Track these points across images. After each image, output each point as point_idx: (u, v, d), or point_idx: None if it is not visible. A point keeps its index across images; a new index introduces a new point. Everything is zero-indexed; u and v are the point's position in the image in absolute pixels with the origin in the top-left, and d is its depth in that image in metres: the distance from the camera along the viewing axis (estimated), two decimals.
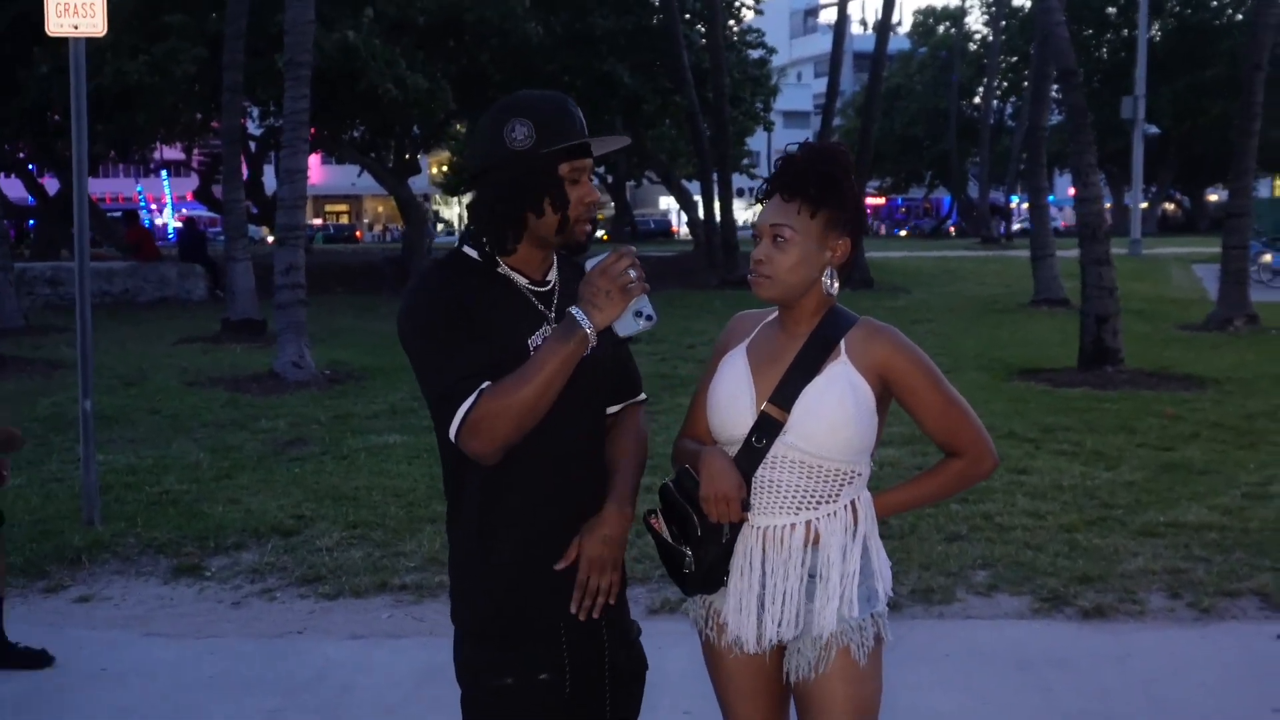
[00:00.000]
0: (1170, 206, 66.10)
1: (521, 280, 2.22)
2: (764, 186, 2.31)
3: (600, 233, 48.90)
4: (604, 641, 2.26)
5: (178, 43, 19.48)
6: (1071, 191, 13.01)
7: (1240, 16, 50.25)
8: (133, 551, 5.83)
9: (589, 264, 2.11)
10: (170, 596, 5.25)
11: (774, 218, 2.26)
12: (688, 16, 28.45)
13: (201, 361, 12.86)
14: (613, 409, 2.35)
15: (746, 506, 2.24)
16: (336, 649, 4.61)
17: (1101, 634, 4.65)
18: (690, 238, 38.78)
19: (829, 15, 77.31)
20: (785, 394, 2.24)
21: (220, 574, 5.50)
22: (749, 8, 33.51)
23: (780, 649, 2.34)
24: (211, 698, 4.19)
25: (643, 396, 2.43)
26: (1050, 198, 21.08)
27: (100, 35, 6.24)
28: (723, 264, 25.27)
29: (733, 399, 2.30)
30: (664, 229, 64.96)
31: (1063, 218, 49.27)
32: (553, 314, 2.23)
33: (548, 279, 2.27)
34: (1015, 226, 47.12)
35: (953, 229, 59.55)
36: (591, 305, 2.05)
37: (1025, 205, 33.58)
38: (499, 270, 2.21)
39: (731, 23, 32.22)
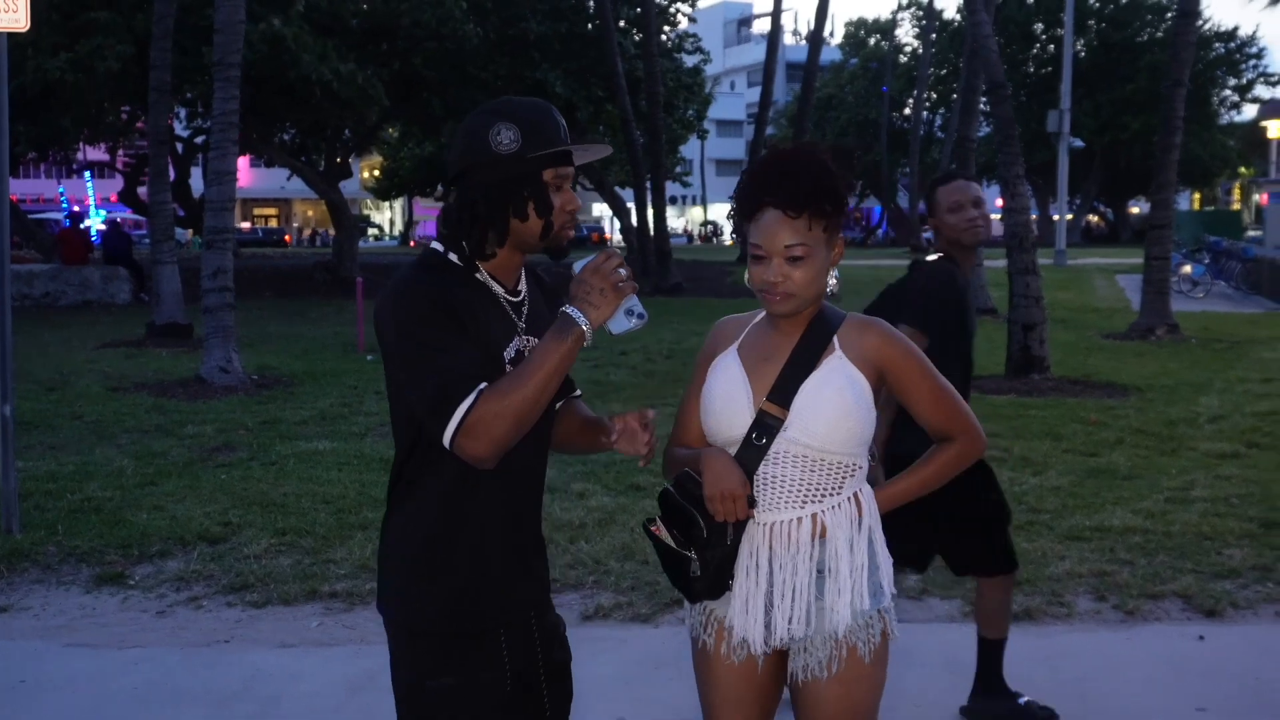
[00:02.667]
0: (1094, 218, 67.55)
1: (498, 289, 2.22)
2: (751, 202, 2.27)
3: None
4: (536, 639, 2.27)
5: (102, 39, 19.09)
6: (999, 202, 13.23)
7: (1160, 34, 51.61)
8: (53, 560, 5.67)
9: (577, 265, 2.11)
10: (92, 606, 5.12)
11: (787, 239, 2.23)
12: (622, 24, 28.51)
13: (125, 366, 12.59)
14: (556, 405, 2.39)
15: (753, 503, 2.24)
16: (265, 658, 4.52)
17: (1031, 636, 4.71)
18: (623, 244, 38.79)
19: (762, 25, 78.12)
20: (783, 391, 2.26)
21: (145, 583, 5.37)
22: (684, 15, 33.64)
23: (778, 653, 2.34)
24: (136, 709, 4.08)
25: (579, 392, 2.49)
26: None
27: (23, 30, 6.08)
28: (656, 271, 25.34)
29: (729, 399, 2.30)
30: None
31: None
32: (523, 324, 2.23)
33: (519, 289, 2.27)
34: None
35: (866, 242, 60.40)
36: (586, 303, 2.04)
37: None
38: (477, 276, 2.20)
39: (665, 30, 32.34)
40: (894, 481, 2.43)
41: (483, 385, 2.04)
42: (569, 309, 2.05)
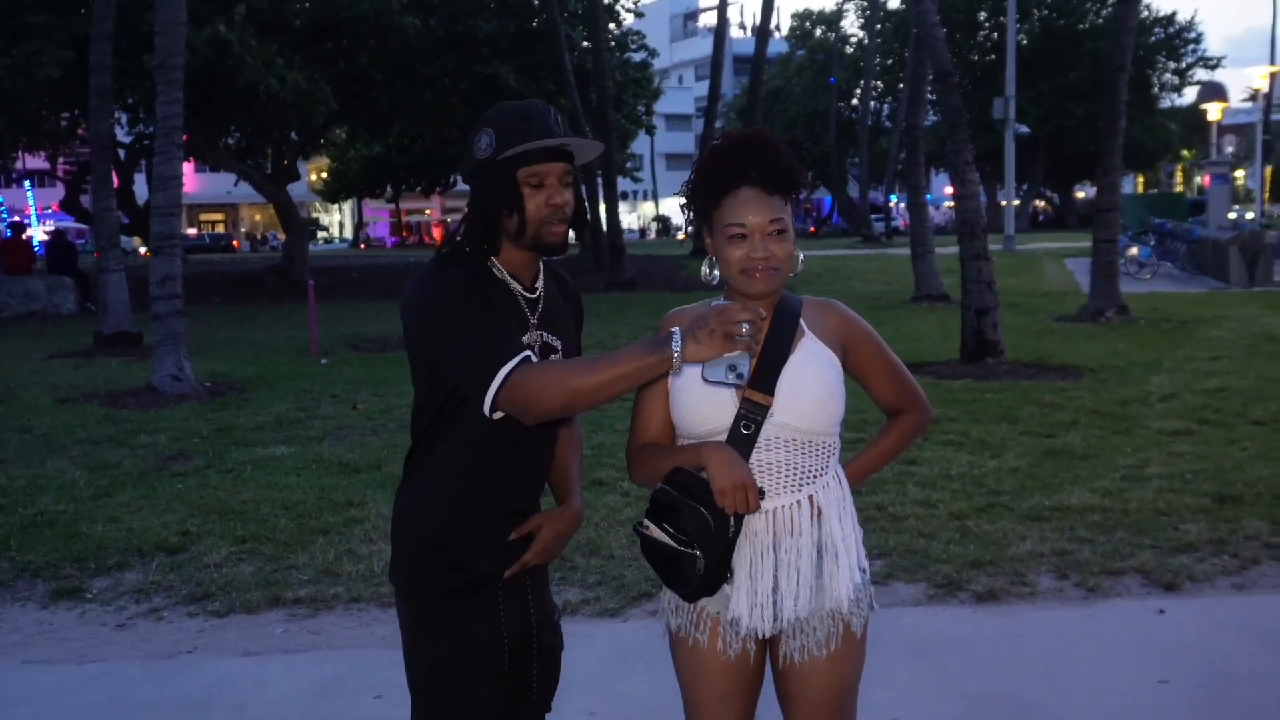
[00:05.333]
0: (1041, 203, 68.31)
1: (515, 285, 2.30)
2: (725, 182, 2.26)
3: None
4: (531, 611, 2.36)
5: (41, 44, 18.77)
6: (948, 190, 13.38)
7: (1100, 21, 52.26)
8: (7, 576, 5.56)
9: (715, 302, 2.10)
10: (50, 621, 5.02)
11: (772, 213, 2.25)
12: (567, 17, 28.44)
13: (74, 377, 12.38)
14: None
15: (763, 493, 2.22)
16: (229, 667, 4.46)
17: (995, 616, 4.76)
18: (575, 240, 38.71)
19: (709, 19, 78.21)
20: (765, 377, 2.26)
21: (103, 595, 5.28)
22: (629, 10, 33.60)
23: (764, 642, 2.35)
24: None
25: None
26: (928, 196, 21.63)
27: None
28: (610, 266, 25.32)
29: (708, 392, 2.26)
30: None
31: (937, 215, 50.62)
32: (535, 320, 2.31)
33: (536, 286, 2.34)
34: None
35: (813, 229, 61.00)
36: (692, 336, 2.02)
37: (904, 205, 34.30)
38: (494, 273, 2.28)
39: (611, 26, 32.29)
40: (857, 457, 2.49)
41: (527, 353, 2.11)
42: (676, 331, 2.04)
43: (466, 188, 2.36)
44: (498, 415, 2.13)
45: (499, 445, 2.25)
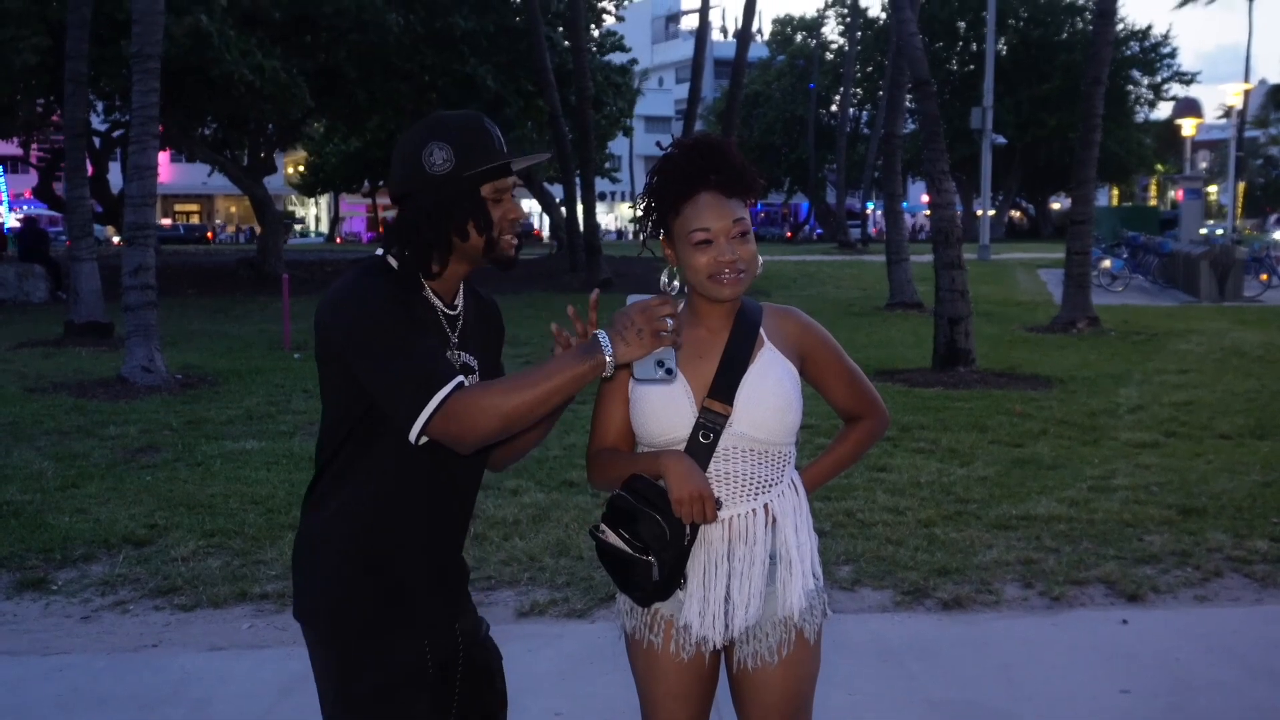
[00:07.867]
0: (1016, 213, 68.74)
1: (436, 302, 2.21)
2: (685, 188, 2.25)
3: None
4: (459, 644, 2.26)
5: (17, 30, 18.62)
6: (925, 198, 13.45)
7: (1073, 34, 52.64)
8: None
9: (630, 299, 2.06)
10: (13, 613, 4.98)
11: (734, 214, 2.25)
12: (549, 18, 28.42)
13: (43, 366, 12.27)
14: None
15: (719, 504, 2.23)
16: (194, 661, 4.44)
17: (960, 624, 4.79)
18: (553, 241, 38.77)
19: (690, 21, 78.37)
20: (724, 387, 2.27)
21: (68, 587, 5.25)
22: (609, 13, 33.60)
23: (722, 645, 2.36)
24: (59, 717, 3.99)
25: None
26: (904, 204, 21.76)
27: None
28: (586, 266, 25.32)
29: (669, 400, 2.28)
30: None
31: (915, 223, 50.88)
32: (456, 338, 2.23)
33: (456, 303, 2.26)
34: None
35: (789, 234, 61.32)
36: (620, 337, 1.99)
37: (880, 212, 34.42)
38: (421, 291, 2.19)
39: (592, 28, 32.28)
40: (815, 463, 2.51)
41: (460, 379, 2.02)
42: (601, 335, 2.01)
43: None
44: (423, 441, 2.02)
45: (426, 465, 2.13)
